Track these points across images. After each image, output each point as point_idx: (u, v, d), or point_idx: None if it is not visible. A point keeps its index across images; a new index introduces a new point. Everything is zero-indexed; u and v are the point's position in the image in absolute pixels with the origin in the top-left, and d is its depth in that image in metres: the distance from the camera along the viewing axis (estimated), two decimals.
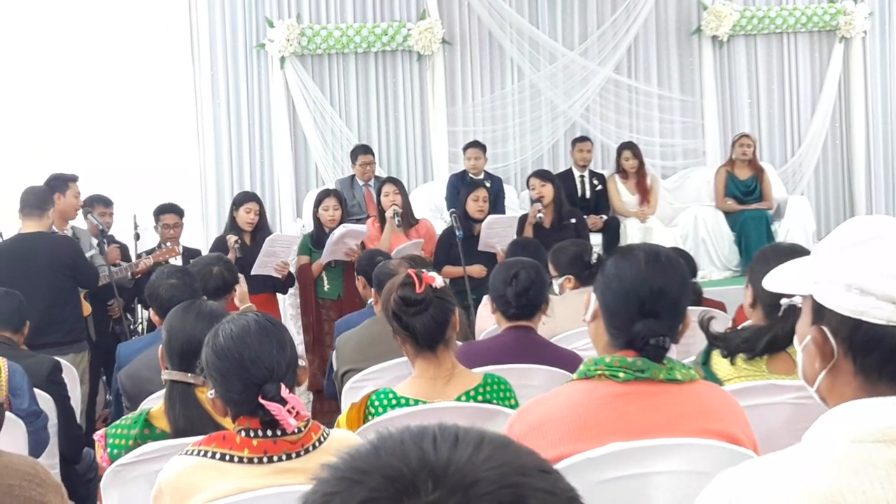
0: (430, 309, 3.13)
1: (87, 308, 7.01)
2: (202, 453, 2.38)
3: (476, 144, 9.19)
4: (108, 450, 3.00)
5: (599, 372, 2.44)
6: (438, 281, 3.17)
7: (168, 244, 7.41)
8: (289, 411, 2.34)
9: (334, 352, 4.76)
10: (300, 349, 7.57)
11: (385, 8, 10.14)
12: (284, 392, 2.37)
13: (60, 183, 7.08)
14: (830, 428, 1.59)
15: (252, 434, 2.39)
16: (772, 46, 10.89)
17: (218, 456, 2.36)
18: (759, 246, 8.89)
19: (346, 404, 3.89)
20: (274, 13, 9.87)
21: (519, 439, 2.41)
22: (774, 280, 1.75)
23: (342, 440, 2.49)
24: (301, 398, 7.32)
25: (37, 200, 6.49)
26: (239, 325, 2.49)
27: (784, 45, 10.90)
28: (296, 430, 2.40)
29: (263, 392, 2.38)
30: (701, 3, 10.61)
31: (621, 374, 2.41)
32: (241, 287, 5.90)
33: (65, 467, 4.73)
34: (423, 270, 3.21)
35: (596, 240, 9.01)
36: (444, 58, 10.23)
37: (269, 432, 2.39)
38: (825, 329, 1.63)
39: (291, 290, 7.84)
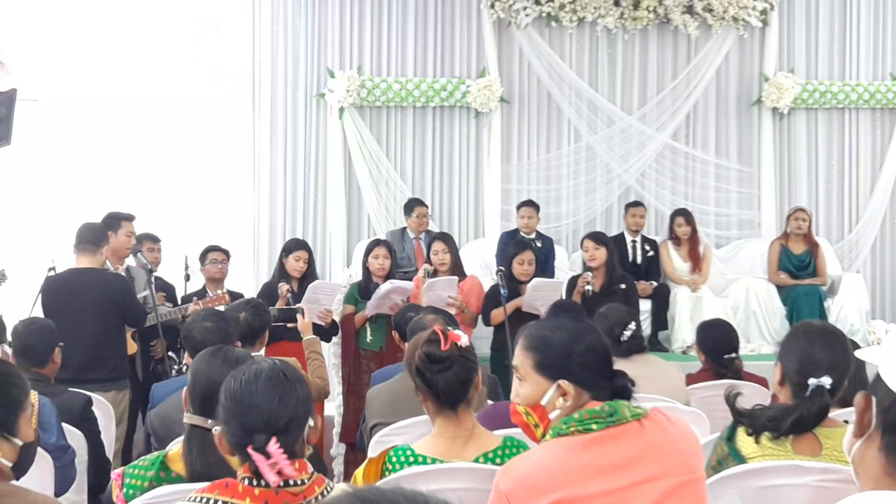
0: (454, 367, 3.12)
1: (133, 347, 7.06)
2: (205, 501, 2.38)
3: (530, 203, 9.19)
4: (124, 490, 3.01)
5: (573, 429, 2.56)
6: (464, 340, 3.16)
7: (219, 292, 7.46)
8: (271, 466, 2.34)
9: (365, 403, 4.73)
10: (337, 399, 7.57)
11: (445, 64, 10.28)
12: (272, 446, 2.36)
13: (114, 221, 7.17)
14: None
15: (255, 483, 2.39)
16: (833, 121, 10.81)
17: None
18: None
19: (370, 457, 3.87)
20: (335, 64, 10.04)
21: (507, 495, 2.47)
22: (865, 352, 1.77)
23: None
24: (335, 450, 7.25)
25: (92, 236, 6.55)
26: (252, 371, 2.51)
27: (845, 120, 10.82)
28: (299, 482, 2.39)
29: (253, 441, 2.39)
30: (763, 75, 10.58)
31: (594, 426, 2.55)
32: (303, 319, 5.86)
33: (92, 501, 4.75)
34: (450, 328, 3.20)
35: (645, 306, 8.94)
36: (502, 116, 10.31)
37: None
38: (872, 397, 1.64)
39: (335, 339, 7.84)
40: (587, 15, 10.28)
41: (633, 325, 5.13)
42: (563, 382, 2.64)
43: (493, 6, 10.13)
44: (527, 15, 10.17)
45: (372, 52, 10.18)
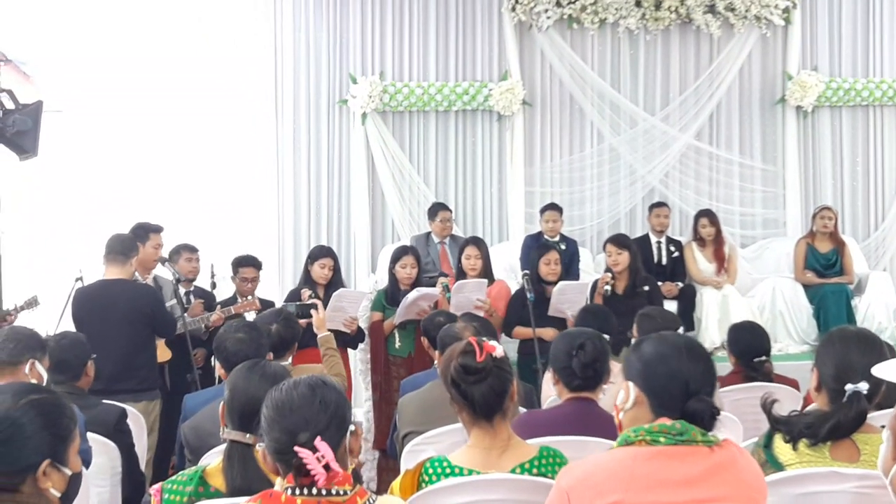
0: (490, 378, 3.11)
1: (166, 354, 7.07)
2: None
3: (554, 207, 9.18)
4: None
5: (640, 438, 2.58)
6: (499, 350, 3.16)
7: (249, 297, 7.48)
8: (318, 459, 2.37)
9: (397, 412, 4.74)
10: (366, 405, 7.57)
11: (467, 68, 10.28)
12: (318, 441, 2.40)
13: (143, 232, 7.20)
14: None
15: (297, 493, 2.41)
16: (857, 119, 10.76)
17: None
18: (837, 321, 8.71)
19: (404, 467, 3.87)
20: (358, 70, 10.07)
21: (567, 491, 2.50)
22: (883, 368, 1.75)
23: None
24: (366, 456, 7.21)
25: (122, 247, 6.55)
26: (293, 382, 2.57)
27: (870, 117, 10.77)
28: (342, 493, 2.41)
29: (297, 439, 2.43)
30: (786, 73, 10.54)
31: (662, 440, 2.57)
32: (318, 314, 5.83)
33: None
34: (485, 339, 3.20)
35: (671, 307, 8.89)
36: (524, 118, 10.30)
37: (313, 491, 2.41)
38: None
39: (361, 346, 7.84)
40: (609, 16, 10.27)
41: (681, 330, 5.14)
42: (630, 384, 2.72)
43: (514, 9, 10.13)
44: (548, 17, 10.16)
45: (394, 58, 10.19)
